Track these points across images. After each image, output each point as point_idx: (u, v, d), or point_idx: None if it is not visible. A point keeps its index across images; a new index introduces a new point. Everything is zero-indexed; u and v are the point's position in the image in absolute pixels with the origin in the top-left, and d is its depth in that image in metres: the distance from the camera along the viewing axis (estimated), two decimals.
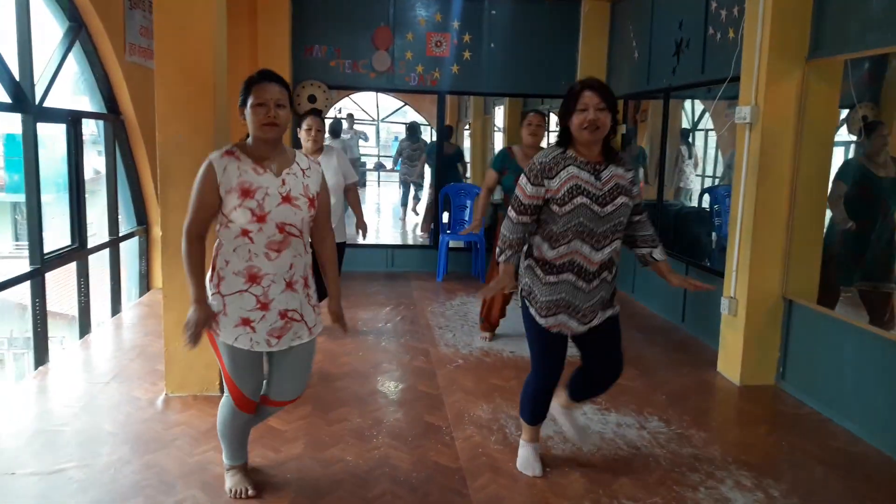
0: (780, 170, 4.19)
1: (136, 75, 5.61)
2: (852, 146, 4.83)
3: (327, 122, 7.70)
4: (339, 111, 13.59)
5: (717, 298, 4.63)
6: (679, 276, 2.97)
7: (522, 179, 2.86)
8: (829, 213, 4.39)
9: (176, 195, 3.78)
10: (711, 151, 9.44)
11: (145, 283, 6.38)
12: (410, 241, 9.79)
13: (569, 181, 2.77)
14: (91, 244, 5.40)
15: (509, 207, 2.93)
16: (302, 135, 4.63)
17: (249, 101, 2.52)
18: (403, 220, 11.35)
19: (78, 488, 2.95)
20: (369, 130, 15.29)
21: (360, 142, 13.08)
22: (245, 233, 2.52)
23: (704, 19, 5.23)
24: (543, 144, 4.99)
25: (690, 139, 7.71)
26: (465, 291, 6.74)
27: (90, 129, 5.85)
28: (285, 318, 2.63)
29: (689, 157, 7.39)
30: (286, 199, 2.55)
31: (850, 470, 3.33)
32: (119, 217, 6.00)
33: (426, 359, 4.73)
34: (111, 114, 5.59)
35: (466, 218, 7.66)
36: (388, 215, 12.99)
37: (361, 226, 5.04)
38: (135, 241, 6.28)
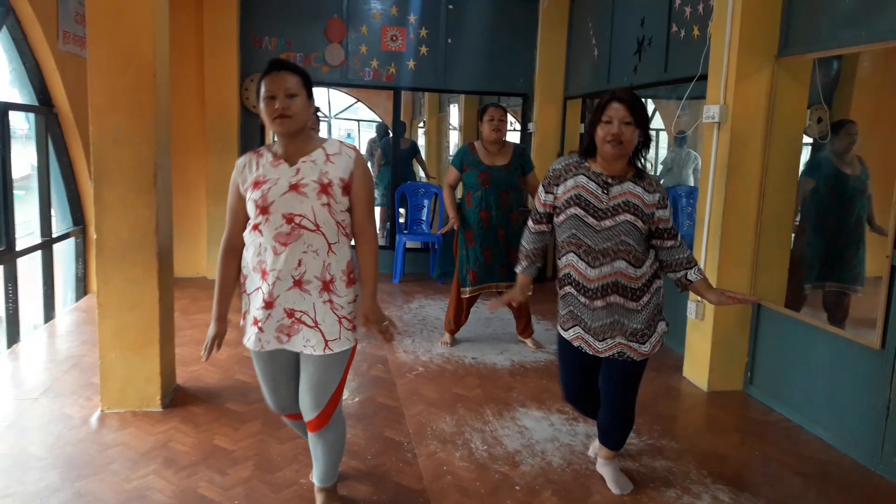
0: (748, 170, 4.08)
1: (71, 65, 5.22)
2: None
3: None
4: None
5: (682, 302, 4.52)
6: (717, 293, 2.72)
7: (540, 189, 2.86)
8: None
9: (112, 194, 3.48)
10: (662, 152, 9.46)
11: (82, 287, 5.98)
12: None
13: (571, 190, 2.71)
14: (25, 245, 5.01)
15: (529, 219, 2.94)
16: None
17: (261, 94, 2.32)
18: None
19: None
20: (322, 128, 14.91)
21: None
22: (255, 227, 2.36)
23: (668, 16, 5.11)
24: (508, 139, 4.82)
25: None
26: (424, 293, 6.52)
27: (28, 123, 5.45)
28: (293, 318, 2.39)
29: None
30: (294, 187, 2.32)
31: (826, 480, 3.22)
32: (53, 217, 5.61)
33: (384, 367, 4.50)
34: (43, 106, 5.20)
35: (423, 217, 7.45)
36: None
37: None
38: (70, 242, 5.88)
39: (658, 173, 8.25)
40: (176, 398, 3.85)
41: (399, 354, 4.75)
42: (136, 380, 3.64)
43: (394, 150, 7.71)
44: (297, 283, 2.35)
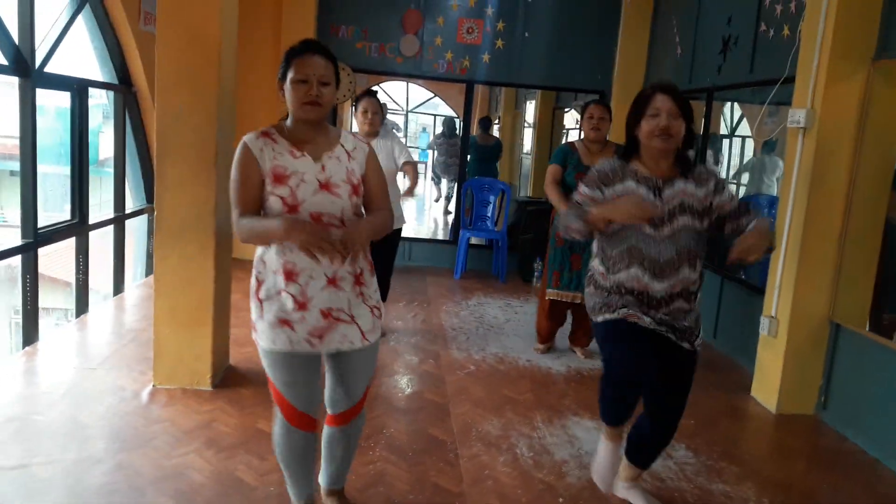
0: (835, 179, 3.79)
1: (151, 45, 5.27)
2: None
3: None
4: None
5: (755, 316, 4.26)
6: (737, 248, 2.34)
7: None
8: None
9: (173, 171, 3.51)
10: (747, 159, 9.02)
11: (152, 264, 6.12)
12: (429, 236, 9.48)
13: (622, 197, 2.46)
14: (98, 219, 5.17)
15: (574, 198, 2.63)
16: (358, 117, 4.35)
17: (289, 76, 2.17)
18: (445, 214, 11.11)
19: (38, 489, 2.68)
20: (400, 121, 14.96)
21: (394, 132, 12.77)
22: None
23: (756, 15, 4.82)
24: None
25: (718, 145, 7.30)
26: (484, 291, 6.41)
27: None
28: (328, 318, 2.26)
29: (715, 163, 6.97)
30: (325, 186, 2.20)
31: None
32: (128, 194, 5.77)
33: (435, 363, 4.41)
34: (123, 85, 5.33)
35: (489, 214, 7.33)
36: (410, 208, 12.66)
37: (409, 190, 4.57)
38: (143, 219, 6.04)
39: (737, 177, 7.87)
40: (227, 378, 3.86)
41: (452, 351, 4.65)
42: (187, 357, 3.66)
43: (462, 147, 7.60)
44: (332, 281, 2.25)
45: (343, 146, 2.29)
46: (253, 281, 2.30)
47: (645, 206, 2.36)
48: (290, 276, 2.21)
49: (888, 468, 3.41)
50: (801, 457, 3.51)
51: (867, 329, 3.78)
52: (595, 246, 2.67)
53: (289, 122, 2.27)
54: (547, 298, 4.59)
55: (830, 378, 3.93)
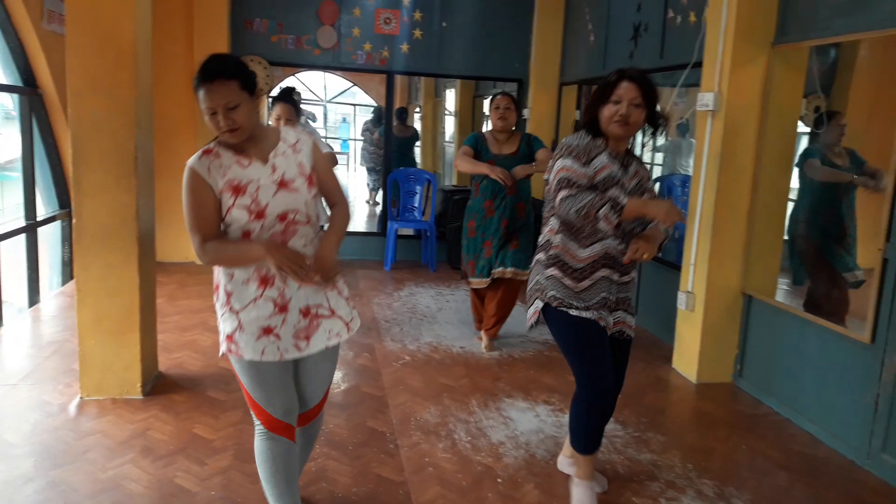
0: (742, 159, 4.02)
1: (57, 46, 5.11)
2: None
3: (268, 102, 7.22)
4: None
5: (674, 292, 4.47)
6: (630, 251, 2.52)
7: (565, 161, 2.54)
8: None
9: (92, 178, 3.41)
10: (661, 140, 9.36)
11: (68, 272, 5.91)
12: (358, 229, 9.45)
13: (603, 170, 2.55)
14: (8, 229, 4.95)
15: (558, 194, 2.53)
16: (273, 123, 4.28)
17: (202, 106, 2.14)
18: (373, 205, 11.06)
19: None
20: (317, 111, 14.78)
21: (310, 123, 12.61)
22: (246, 234, 2.19)
23: (664, 2, 5.02)
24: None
25: None
26: (415, 281, 6.46)
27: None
28: (309, 316, 2.28)
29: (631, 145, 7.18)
30: (282, 184, 2.20)
31: (813, 476, 3.18)
32: (38, 200, 5.53)
33: (371, 356, 4.45)
34: (27, 87, 5.11)
35: (416, 204, 7.38)
36: None
37: None
38: (56, 226, 5.81)
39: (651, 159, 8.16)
40: (157, 385, 3.79)
41: (386, 343, 4.70)
42: (115, 367, 3.58)
43: (386, 137, 7.62)
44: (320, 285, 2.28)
45: (286, 140, 2.30)
46: (221, 293, 2.28)
47: (678, 210, 2.44)
48: (266, 281, 2.22)
49: (800, 428, 3.66)
50: (721, 423, 3.72)
51: (775, 299, 4.02)
52: (553, 224, 2.65)
53: None
54: (472, 289, 4.71)
55: (745, 347, 4.17)
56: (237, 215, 2.17)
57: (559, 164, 2.57)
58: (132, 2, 3.32)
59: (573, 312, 2.61)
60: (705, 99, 4.03)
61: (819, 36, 3.64)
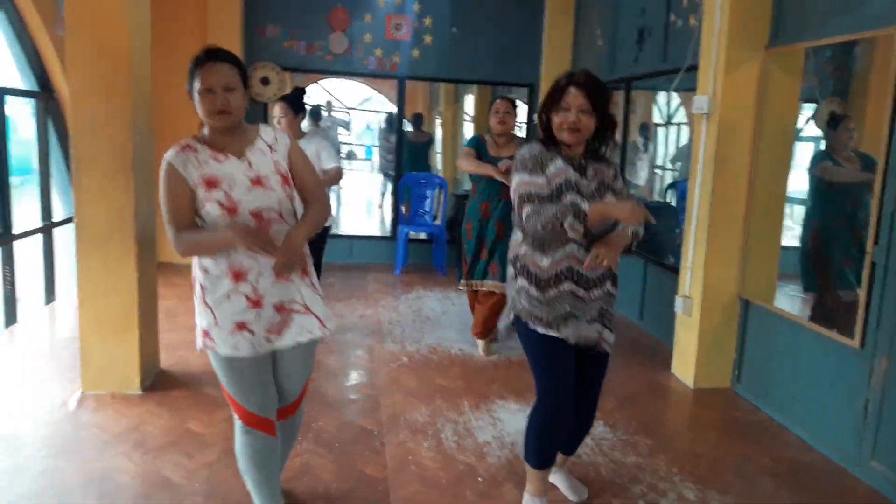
0: (737, 163, 4.00)
1: None
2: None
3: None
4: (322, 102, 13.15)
5: (670, 296, 4.45)
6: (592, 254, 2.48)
7: (521, 176, 2.50)
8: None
9: (91, 182, 3.53)
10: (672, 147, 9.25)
11: None
12: (370, 233, 9.55)
13: (558, 176, 2.48)
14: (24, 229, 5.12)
15: (522, 210, 2.49)
16: (275, 125, 4.37)
17: (196, 86, 2.21)
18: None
19: None
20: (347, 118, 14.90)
21: (340, 129, 12.72)
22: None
23: (666, 5, 5.02)
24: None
25: (650, 132, 7.50)
26: (423, 285, 6.51)
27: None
28: (282, 312, 2.33)
29: (645, 152, 7.17)
30: (256, 182, 2.26)
31: (799, 482, 3.16)
32: (57, 202, 5.70)
33: (369, 356, 4.50)
34: (43, 91, 5.27)
35: (427, 208, 7.43)
36: (354, 205, 12.67)
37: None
38: (73, 227, 5.96)
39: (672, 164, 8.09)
40: (158, 382, 3.89)
41: (387, 344, 4.75)
42: (115, 362, 3.68)
43: (397, 142, 7.69)
44: (279, 275, 2.31)
45: (263, 139, 2.35)
46: (197, 289, 2.33)
47: (643, 209, 2.39)
48: (238, 276, 2.26)
49: (793, 433, 3.63)
50: (714, 428, 3.70)
51: (773, 304, 3.99)
52: (519, 236, 2.62)
53: (206, 130, 2.31)
54: (468, 291, 4.72)
55: (743, 352, 4.14)
56: (210, 209, 2.23)
57: (516, 179, 2.53)
58: (128, 10, 3.42)
59: (540, 330, 2.55)
60: (700, 102, 4.03)
61: (812, 37, 3.62)
